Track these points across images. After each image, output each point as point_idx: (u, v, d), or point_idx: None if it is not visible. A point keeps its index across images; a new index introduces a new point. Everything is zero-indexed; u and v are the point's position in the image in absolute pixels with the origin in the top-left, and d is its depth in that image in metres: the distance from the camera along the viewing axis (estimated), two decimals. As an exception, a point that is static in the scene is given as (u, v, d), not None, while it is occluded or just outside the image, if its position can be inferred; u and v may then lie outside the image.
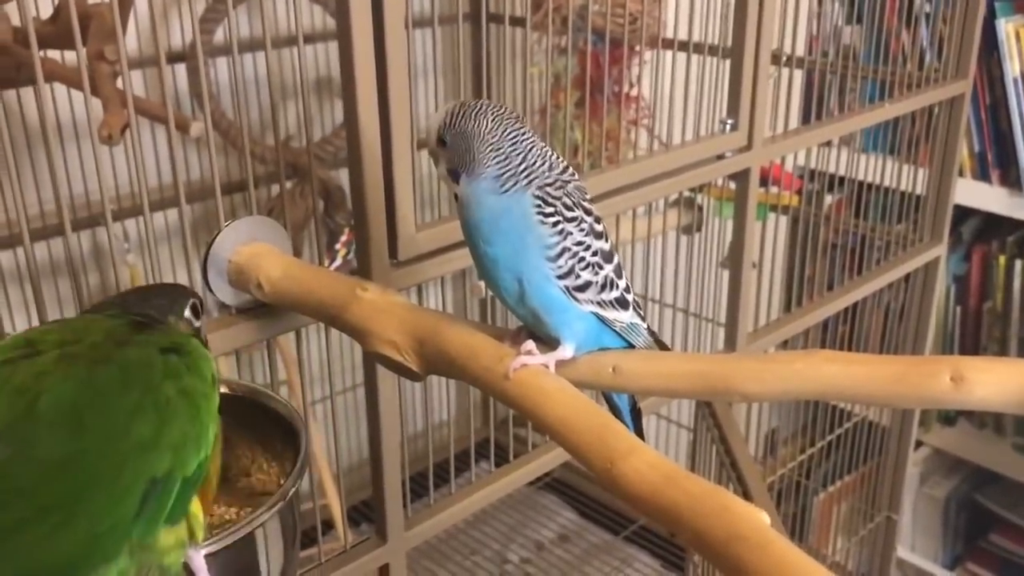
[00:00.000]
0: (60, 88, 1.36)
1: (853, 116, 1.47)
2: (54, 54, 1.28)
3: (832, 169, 1.60)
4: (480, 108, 0.72)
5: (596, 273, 0.73)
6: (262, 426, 0.79)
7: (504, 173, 0.71)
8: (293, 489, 0.71)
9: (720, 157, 1.29)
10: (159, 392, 0.61)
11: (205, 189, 1.60)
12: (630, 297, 0.76)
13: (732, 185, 1.43)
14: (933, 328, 1.91)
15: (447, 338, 0.75)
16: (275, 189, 1.69)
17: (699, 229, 1.69)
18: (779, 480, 1.89)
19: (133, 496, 0.57)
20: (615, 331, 0.76)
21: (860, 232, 1.81)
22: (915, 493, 2.32)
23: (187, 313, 0.71)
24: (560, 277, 0.71)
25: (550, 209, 0.70)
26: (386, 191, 0.96)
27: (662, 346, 0.79)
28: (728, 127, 1.28)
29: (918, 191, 1.75)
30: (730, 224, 1.43)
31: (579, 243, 0.71)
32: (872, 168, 1.70)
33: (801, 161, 1.52)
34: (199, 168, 1.65)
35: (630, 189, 1.21)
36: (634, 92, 1.62)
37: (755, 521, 0.56)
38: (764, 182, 1.41)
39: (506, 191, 0.71)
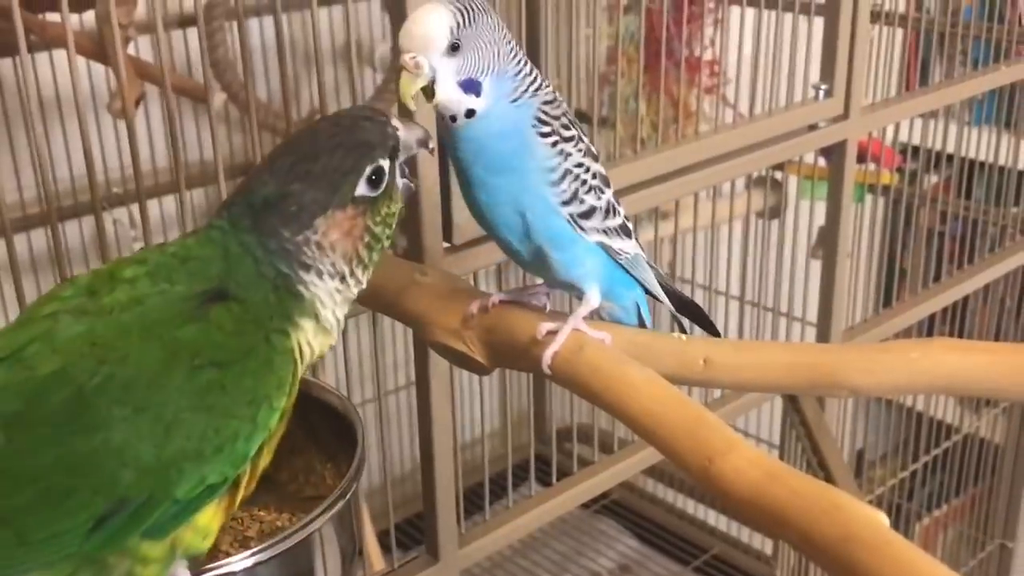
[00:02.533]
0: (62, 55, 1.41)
1: (964, 81, 1.49)
2: (57, 17, 1.33)
3: (936, 145, 1.62)
4: (484, 6, 0.71)
5: (599, 197, 0.77)
6: (314, 422, 0.83)
7: (520, 74, 0.72)
8: (353, 489, 0.74)
9: (812, 128, 1.32)
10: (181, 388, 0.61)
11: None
12: (631, 225, 0.80)
13: (822, 162, 1.46)
14: (1055, 328, 1.92)
15: (518, 326, 0.79)
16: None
17: (783, 213, 1.71)
18: (875, 502, 1.91)
19: (87, 512, 0.58)
20: (623, 267, 0.80)
21: (968, 216, 1.82)
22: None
23: (361, 190, 0.66)
24: (564, 203, 0.75)
25: (547, 128, 0.73)
26: (440, 166, 1.00)
27: (672, 293, 0.84)
28: (821, 93, 1.30)
29: (1037, 169, 1.77)
30: (815, 207, 1.46)
31: (579, 164, 0.75)
32: (983, 144, 1.71)
33: (900, 137, 1.55)
34: (210, 147, 1.70)
35: (705, 166, 1.24)
36: (708, 56, 1.65)
37: (871, 520, 0.60)
38: (861, 158, 1.43)
39: (517, 100, 0.73)
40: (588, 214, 0.76)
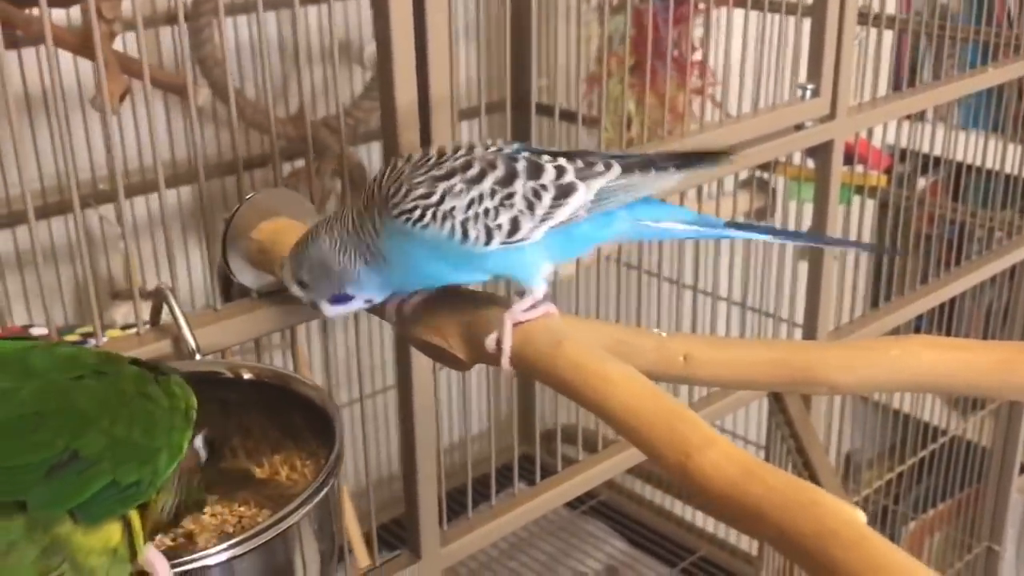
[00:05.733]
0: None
1: (951, 83, 1.49)
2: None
3: (925, 148, 1.62)
4: (312, 235, 0.78)
5: (511, 205, 0.75)
6: (292, 418, 0.83)
7: (357, 262, 0.76)
8: (332, 483, 0.74)
9: (798, 128, 1.32)
10: (120, 379, 0.66)
11: (207, 167, 1.65)
12: (569, 177, 0.76)
13: (810, 163, 1.46)
14: (1043, 331, 1.92)
15: (496, 320, 0.78)
16: (287, 168, 1.73)
17: (771, 215, 1.72)
18: (863, 504, 1.91)
19: (47, 451, 0.61)
20: (584, 223, 0.77)
21: (959, 220, 1.83)
22: (1023, 523, 2.33)
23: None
24: (486, 243, 0.75)
25: (416, 214, 0.74)
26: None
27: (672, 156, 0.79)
28: (808, 93, 1.30)
29: (1024, 172, 1.77)
30: (807, 209, 1.46)
31: (468, 205, 0.74)
32: (972, 147, 1.72)
33: (890, 139, 1.55)
34: (200, 144, 1.70)
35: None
36: (698, 56, 1.65)
37: (847, 516, 0.59)
38: (848, 159, 1.43)
39: (378, 266, 0.76)
40: (515, 228, 0.75)
